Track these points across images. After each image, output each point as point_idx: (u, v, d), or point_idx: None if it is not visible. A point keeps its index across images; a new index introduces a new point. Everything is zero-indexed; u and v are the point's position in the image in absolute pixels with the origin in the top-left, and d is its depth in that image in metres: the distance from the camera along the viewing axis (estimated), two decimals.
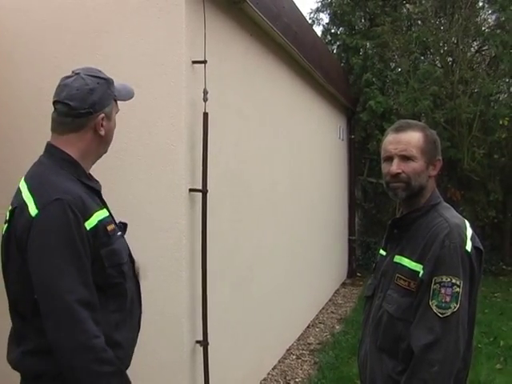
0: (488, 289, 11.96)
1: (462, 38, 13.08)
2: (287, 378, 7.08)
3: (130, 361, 2.85)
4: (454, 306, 2.70)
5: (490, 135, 13.16)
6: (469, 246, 2.79)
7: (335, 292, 12.10)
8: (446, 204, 3.06)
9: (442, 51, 13.69)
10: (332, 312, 10.57)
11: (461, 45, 13.11)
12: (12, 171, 4.46)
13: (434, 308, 2.72)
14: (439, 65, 14.07)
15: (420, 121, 12.71)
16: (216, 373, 5.16)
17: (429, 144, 2.99)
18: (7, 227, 2.61)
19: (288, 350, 8.10)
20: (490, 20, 14.43)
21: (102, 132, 2.73)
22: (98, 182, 2.88)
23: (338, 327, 9.48)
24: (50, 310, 2.44)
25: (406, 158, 2.94)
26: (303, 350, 8.22)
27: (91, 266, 2.54)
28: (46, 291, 2.44)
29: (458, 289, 2.71)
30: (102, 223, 2.62)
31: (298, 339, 8.65)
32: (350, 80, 14.24)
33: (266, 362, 7.22)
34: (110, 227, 2.69)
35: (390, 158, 2.99)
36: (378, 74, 14.18)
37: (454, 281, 2.72)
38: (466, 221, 2.95)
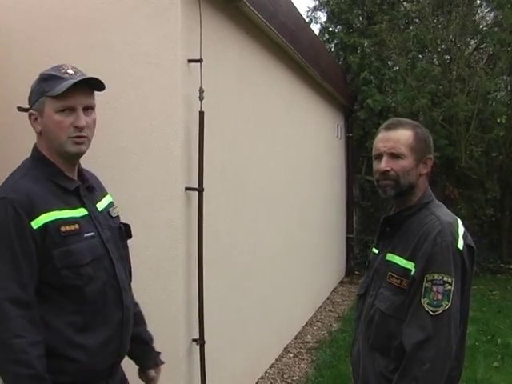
0: (486, 287, 11.99)
1: (460, 36, 13.12)
2: (284, 376, 7.09)
3: (104, 365, 2.76)
4: (446, 304, 2.71)
5: (487, 133, 13.22)
6: (460, 244, 2.80)
7: (333, 290, 12.10)
8: (438, 202, 3.06)
9: (439, 49, 13.74)
10: (330, 310, 10.58)
11: (458, 43, 13.15)
12: (4, 169, 4.46)
13: (425, 306, 2.72)
14: (437, 63, 14.08)
15: (418, 119, 12.79)
16: (213, 371, 5.17)
17: (419, 142, 2.99)
18: None
19: (285, 348, 8.11)
20: (487, 18, 14.51)
21: (37, 129, 2.71)
22: (85, 181, 2.86)
23: (335, 325, 9.50)
24: None
25: (394, 156, 2.94)
26: (301, 348, 8.23)
27: (44, 266, 2.55)
28: None
29: (449, 287, 2.72)
30: (54, 223, 2.58)
31: (296, 338, 8.66)
32: (347, 78, 14.27)
33: (264, 360, 7.23)
34: (68, 228, 2.62)
35: (379, 156, 3.00)
36: (375, 72, 14.22)
37: (445, 279, 2.72)
38: (458, 219, 2.96)
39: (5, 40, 4.92)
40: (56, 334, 2.54)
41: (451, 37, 13.33)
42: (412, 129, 3.01)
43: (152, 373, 3.21)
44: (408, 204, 3.01)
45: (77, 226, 2.65)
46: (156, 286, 4.66)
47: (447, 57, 13.73)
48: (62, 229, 2.60)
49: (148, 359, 3.22)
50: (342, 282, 12.98)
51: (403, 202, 3.02)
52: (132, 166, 4.70)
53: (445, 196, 13.27)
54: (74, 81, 2.63)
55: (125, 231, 3.07)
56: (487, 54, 14.56)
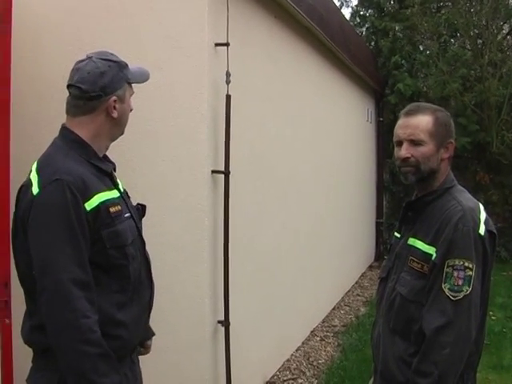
0: None
1: (492, 20, 12.97)
2: (310, 359, 7.12)
3: (136, 340, 2.91)
4: (467, 290, 2.70)
5: None
6: (482, 230, 2.79)
7: (362, 275, 12.14)
8: (460, 187, 3.05)
9: (471, 33, 13.57)
10: (358, 295, 10.62)
11: (491, 27, 13.00)
12: (36, 151, 4.52)
13: (446, 291, 2.72)
14: (468, 47, 13.94)
15: (449, 103, 12.67)
16: (238, 353, 5.21)
17: (439, 127, 2.97)
18: (15, 207, 2.71)
19: (312, 331, 8.14)
20: None
21: (115, 114, 2.79)
22: (112, 163, 2.95)
23: (362, 310, 9.52)
24: (43, 286, 2.50)
25: (414, 143, 2.93)
26: (327, 331, 8.27)
27: (93, 247, 2.61)
28: (42, 269, 2.51)
29: (470, 272, 2.71)
30: (104, 204, 2.67)
31: (323, 321, 8.70)
32: (378, 62, 14.19)
33: (290, 343, 7.26)
34: (114, 209, 2.73)
35: (400, 143, 3.00)
36: (406, 56, 14.12)
37: (466, 264, 2.72)
38: (480, 204, 2.95)
39: (33, 25, 4.96)
40: (101, 313, 2.58)
41: (483, 21, 13.19)
42: (431, 114, 2.99)
43: (149, 342, 3.26)
44: (430, 189, 3.00)
45: (119, 207, 2.76)
46: (182, 268, 4.71)
47: (479, 41, 13.58)
48: (111, 210, 2.70)
49: (147, 330, 3.25)
50: (370, 267, 12.98)
51: (425, 187, 3.01)
52: (159, 149, 4.73)
53: (476, 182, 13.19)
54: (148, 73, 3.02)
55: (142, 211, 3.12)
56: None
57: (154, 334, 3.29)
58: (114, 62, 2.81)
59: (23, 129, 4.79)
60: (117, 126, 2.87)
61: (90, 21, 4.86)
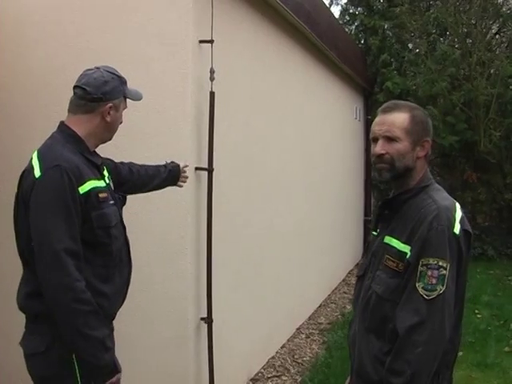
0: (502, 272, 11.97)
1: (481, 20, 13.01)
2: (295, 356, 7.15)
3: (115, 310, 3.38)
4: (440, 289, 2.70)
5: (507, 117, 13.11)
6: (457, 229, 2.78)
7: (349, 272, 12.17)
8: (437, 186, 3.04)
9: (460, 32, 13.59)
10: (344, 292, 10.63)
11: (479, 26, 13.03)
12: (18, 144, 4.52)
13: (420, 290, 2.72)
14: (457, 46, 13.97)
15: (437, 102, 12.69)
16: (222, 350, 5.23)
17: (415, 125, 2.96)
18: (17, 188, 3.15)
19: (298, 328, 8.18)
20: (510, 1, 14.29)
21: (109, 119, 3.26)
22: (100, 157, 3.40)
23: (348, 307, 9.51)
24: (41, 255, 2.93)
25: (390, 139, 2.92)
26: (313, 329, 8.30)
27: (83, 225, 3.04)
28: (40, 239, 2.95)
29: (444, 271, 2.71)
30: (94, 190, 3.12)
31: (309, 318, 8.73)
32: (367, 61, 14.20)
33: (275, 340, 7.28)
34: (102, 195, 3.18)
35: (375, 139, 3.00)
36: (395, 54, 14.17)
37: (440, 263, 2.71)
38: (457, 203, 2.94)
39: (20, 21, 4.97)
40: (87, 283, 2.99)
41: (472, 20, 13.23)
42: (408, 111, 2.98)
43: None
44: (406, 187, 2.99)
45: (106, 194, 3.24)
46: (165, 265, 4.73)
47: (468, 40, 13.60)
48: (100, 195, 3.17)
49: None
50: (358, 265, 12.97)
51: (401, 184, 3.01)
52: (142, 146, 4.75)
53: (463, 180, 13.23)
54: (142, 95, 3.55)
55: (123, 201, 3.69)
56: (509, 38, 14.41)
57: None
58: (117, 76, 3.34)
59: (4, 120, 4.81)
60: (108, 130, 3.34)
61: (75, 16, 4.87)
